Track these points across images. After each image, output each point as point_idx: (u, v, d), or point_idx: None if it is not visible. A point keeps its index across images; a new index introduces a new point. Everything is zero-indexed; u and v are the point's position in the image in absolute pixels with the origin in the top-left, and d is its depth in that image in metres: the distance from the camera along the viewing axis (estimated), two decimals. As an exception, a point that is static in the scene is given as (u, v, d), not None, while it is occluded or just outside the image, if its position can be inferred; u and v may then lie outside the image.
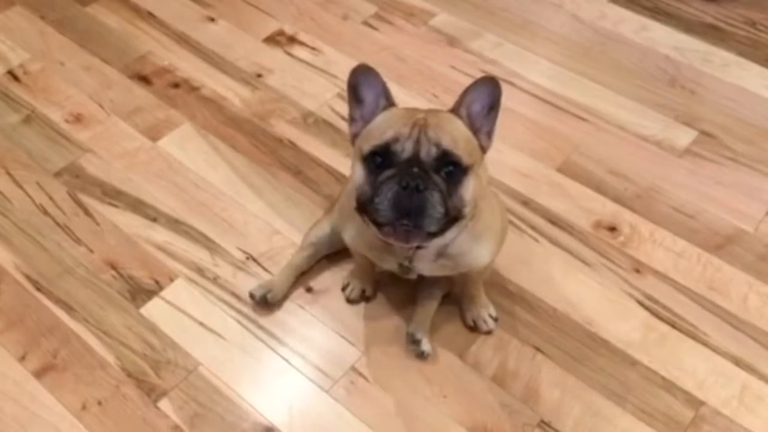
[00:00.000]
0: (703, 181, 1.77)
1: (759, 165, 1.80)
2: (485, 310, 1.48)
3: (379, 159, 1.13)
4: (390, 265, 1.32)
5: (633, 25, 2.16)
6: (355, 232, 1.31)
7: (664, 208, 1.72)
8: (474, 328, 1.48)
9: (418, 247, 1.23)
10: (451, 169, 1.12)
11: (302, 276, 1.57)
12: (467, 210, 1.16)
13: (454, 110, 1.18)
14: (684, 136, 1.87)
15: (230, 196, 1.74)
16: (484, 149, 1.20)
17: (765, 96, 1.97)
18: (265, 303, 1.51)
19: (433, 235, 1.15)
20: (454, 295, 1.51)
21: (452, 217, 1.14)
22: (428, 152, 1.11)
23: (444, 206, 1.11)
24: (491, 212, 1.31)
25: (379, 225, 1.14)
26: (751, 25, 2.16)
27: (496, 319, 1.49)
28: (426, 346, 1.44)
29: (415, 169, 1.11)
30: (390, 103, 1.20)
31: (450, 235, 1.20)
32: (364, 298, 1.53)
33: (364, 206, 1.15)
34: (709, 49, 2.09)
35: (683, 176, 1.78)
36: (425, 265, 1.30)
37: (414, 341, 1.44)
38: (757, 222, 1.69)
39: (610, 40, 2.12)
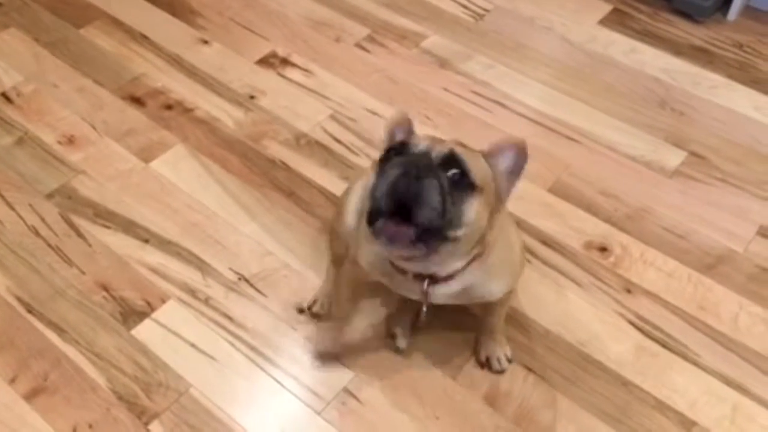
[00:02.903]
0: (693, 201, 1.78)
1: (748, 185, 1.82)
2: (501, 350, 1.47)
3: (393, 153, 1.14)
4: (405, 291, 1.28)
5: (623, 47, 2.19)
6: (372, 256, 1.28)
7: (654, 228, 1.73)
8: (485, 365, 1.46)
9: (432, 279, 1.21)
10: (457, 174, 1.09)
11: (294, 297, 1.57)
12: (461, 232, 1.10)
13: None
14: (674, 157, 1.88)
15: (223, 217, 1.74)
16: (500, 198, 1.18)
17: (753, 117, 1.99)
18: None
19: (422, 243, 1.09)
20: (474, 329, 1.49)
21: (445, 232, 1.09)
22: (439, 152, 1.11)
23: (441, 204, 1.07)
24: (508, 247, 1.30)
25: (372, 221, 1.10)
26: (738, 48, 2.19)
27: (510, 361, 1.47)
28: (402, 342, 1.47)
29: (422, 162, 1.10)
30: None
31: (441, 259, 1.16)
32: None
33: (369, 197, 1.12)
34: (698, 71, 2.11)
35: (673, 197, 1.79)
36: (438, 294, 1.26)
37: (391, 335, 1.48)
38: (747, 242, 1.70)
39: (600, 63, 2.14)
